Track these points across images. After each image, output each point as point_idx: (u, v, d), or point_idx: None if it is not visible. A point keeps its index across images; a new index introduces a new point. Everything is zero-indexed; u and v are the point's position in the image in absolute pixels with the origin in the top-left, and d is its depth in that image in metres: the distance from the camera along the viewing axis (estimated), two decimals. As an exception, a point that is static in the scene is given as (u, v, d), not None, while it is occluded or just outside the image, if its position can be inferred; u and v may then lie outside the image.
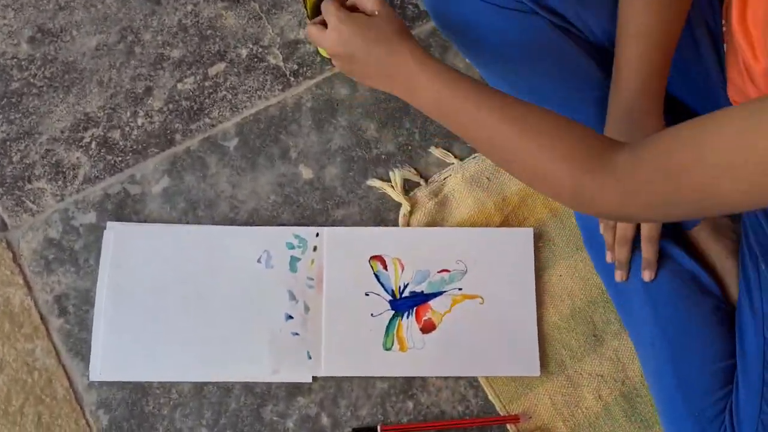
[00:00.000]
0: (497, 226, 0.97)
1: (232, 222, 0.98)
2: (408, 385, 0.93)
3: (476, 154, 1.01)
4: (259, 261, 0.95)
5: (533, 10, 0.85)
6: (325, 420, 0.91)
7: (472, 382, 0.93)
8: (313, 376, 0.92)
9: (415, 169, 1.00)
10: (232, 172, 1.00)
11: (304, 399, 0.92)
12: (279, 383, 0.92)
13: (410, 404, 0.92)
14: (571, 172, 0.62)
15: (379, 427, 0.91)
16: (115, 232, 0.97)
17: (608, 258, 0.90)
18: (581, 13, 0.85)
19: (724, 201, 0.54)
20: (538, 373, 0.92)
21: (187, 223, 0.98)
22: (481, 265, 0.95)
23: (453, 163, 1.01)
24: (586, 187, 0.61)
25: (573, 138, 0.63)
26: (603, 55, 0.87)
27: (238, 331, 0.93)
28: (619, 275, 0.89)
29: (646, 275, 0.86)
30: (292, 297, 0.94)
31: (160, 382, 0.92)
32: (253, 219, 0.98)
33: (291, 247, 0.96)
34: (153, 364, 0.92)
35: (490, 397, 0.93)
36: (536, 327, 0.94)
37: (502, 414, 0.92)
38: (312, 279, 0.95)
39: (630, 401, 0.92)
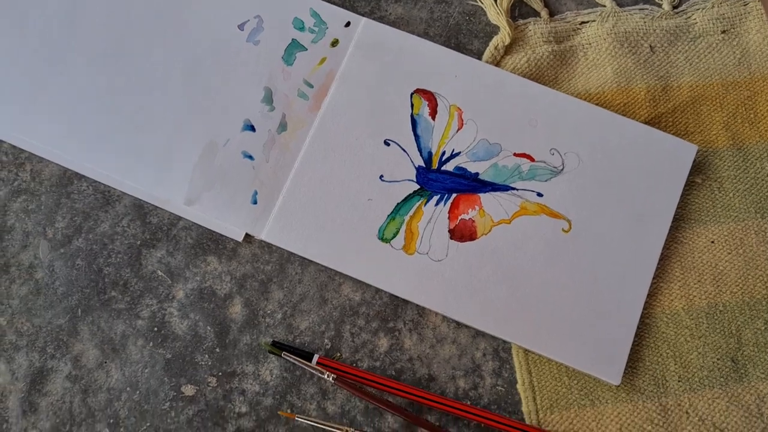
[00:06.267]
0: (640, 122, 0.56)
1: (227, -40, 0.59)
2: (393, 311, 0.53)
3: (645, 5, 0.59)
4: (240, 28, 0.57)
5: None
6: (237, 309, 0.52)
7: (500, 350, 0.52)
8: (246, 233, 0.54)
9: (541, -8, 0.60)
10: None
11: (218, 264, 0.53)
12: (189, 223, 0.54)
13: (384, 342, 0.52)
14: None
15: (315, 357, 0.51)
16: None
17: None
18: None
19: None
20: (616, 382, 0.51)
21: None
22: (588, 171, 0.55)
23: (605, 6, 0.59)
24: None
25: None
26: None
27: (160, 120, 0.55)
28: None
29: None
30: (269, 100, 0.55)
31: (13, 146, 0.55)
32: (262, -30, 0.59)
33: (300, 27, 0.57)
34: (21, 116, 0.55)
35: (518, 386, 0.52)
36: (640, 309, 0.52)
37: (529, 423, 0.51)
38: (311, 86, 0.56)
39: (755, 494, 0.50)
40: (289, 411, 0.51)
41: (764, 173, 0.56)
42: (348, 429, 0.49)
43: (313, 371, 0.51)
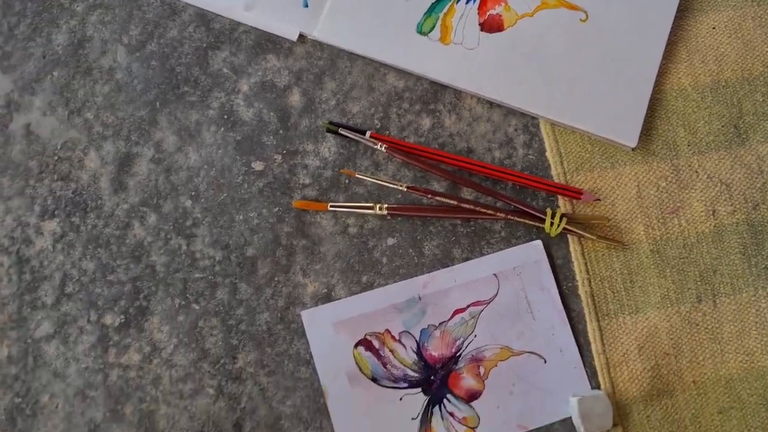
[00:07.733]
0: (646, -77, 0.62)
1: None
2: (433, 95, 0.60)
3: None
4: None
5: None
6: (296, 98, 0.59)
7: (529, 125, 0.59)
8: (300, 33, 0.60)
9: None
10: None
11: (276, 61, 0.60)
12: (248, 27, 0.61)
13: (427, 122, 0.59)
14: None
15: (368, 133, 0.58)
16: None
17: None
18: None
19: None
20: (633, 144, 0.58)
21: None
22: (602, -33, 0.61)
23: None
24: None
25: None
26: None
27: (218, -63, 0.61)
28: None
29: None
30: None
31: (85, -31, 0.62)
32: None
33: None
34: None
35: (547, 154, 0.59)
36: (652, 85, 0.59)
37: (557, 181, 0.58)
38: None
39: (757, 236, 0.58)
40: (347, 178, 0.58)
41: (758, -32, 0.63)
42: (403, 185, 0.56)
43: (367, 143, 0.57)
